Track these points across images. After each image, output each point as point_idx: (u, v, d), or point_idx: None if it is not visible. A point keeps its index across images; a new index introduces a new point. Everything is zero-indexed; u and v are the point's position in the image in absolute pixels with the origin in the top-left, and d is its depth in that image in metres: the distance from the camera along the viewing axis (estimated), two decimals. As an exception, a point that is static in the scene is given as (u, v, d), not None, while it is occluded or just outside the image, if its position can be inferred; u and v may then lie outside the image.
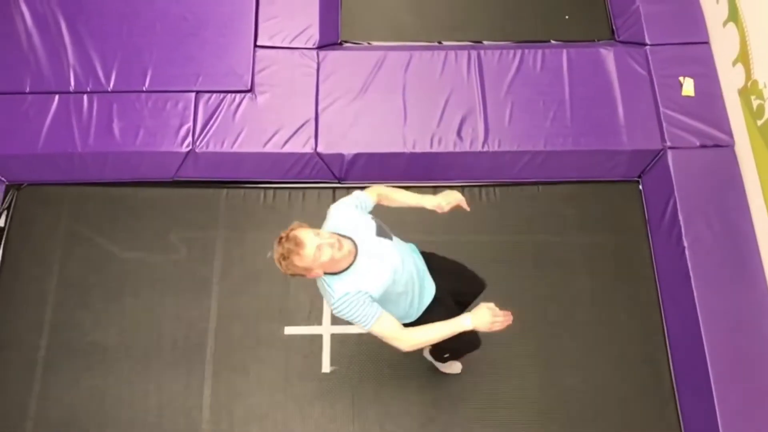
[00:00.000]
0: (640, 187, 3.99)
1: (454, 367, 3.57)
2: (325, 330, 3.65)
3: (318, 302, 3.68)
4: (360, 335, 3.64)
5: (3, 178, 3.88)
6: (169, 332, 3.64)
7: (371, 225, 2.61)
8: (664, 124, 3.88)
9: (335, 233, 2.42)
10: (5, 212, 3.88)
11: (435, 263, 2.93)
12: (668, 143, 3.84)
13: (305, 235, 2.32)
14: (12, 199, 3.91)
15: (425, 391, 3.55)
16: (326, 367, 3.58)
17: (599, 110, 3.94)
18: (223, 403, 3.51)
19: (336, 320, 3.67)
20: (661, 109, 3.91)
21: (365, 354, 3.61)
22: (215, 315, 3.68)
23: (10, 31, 4.02)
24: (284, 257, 2.33)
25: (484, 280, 3.14)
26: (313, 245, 2.31)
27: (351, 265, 2.47)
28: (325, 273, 2.45)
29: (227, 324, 3.66)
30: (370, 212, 2.70)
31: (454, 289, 2.98)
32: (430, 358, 3.49)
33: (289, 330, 3.63)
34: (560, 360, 3.63)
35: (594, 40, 4.29)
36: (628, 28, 4.25)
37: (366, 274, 2.48)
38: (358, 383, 3.55)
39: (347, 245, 2.42)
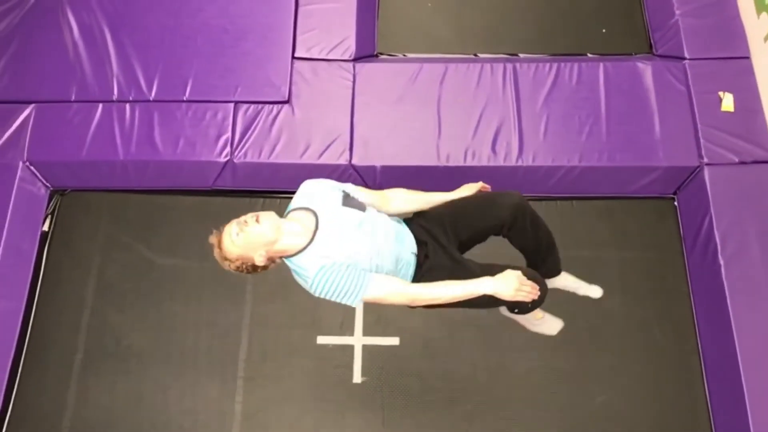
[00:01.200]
0: (676, 203, 3.94)
1: (548, 325, 3.22)
2: (357, 341, 3.68)
3: (350, 312, 3.72)
4: (391, 347, 3.67)
5: (48, 184, 3.99)
6: (203, 338, 3.71)
7: (338, 196, 2.56)
8: (702, 140, 3.83)
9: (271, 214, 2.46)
10: (49, 217, 3.99)
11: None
12: (705, 159, 3.79)
13: (230, 224, 2.40)
14: (56, 205, 4.03)
15: (455, 405, 3.56)
16: (357, 377, 3.61)
17: (635, 125, 3.91)
18: (255, 410, 3.56)
19: (368, 331, 3.70)
20: (699, 124, 3.86)
21: (395, 366, 3.63)
22: (248, 322, 3.74)
23: (57, 42, 4.15)
24: (215, 247, 2.44)
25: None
26: (229, 230, 2.39)
27: (311, 240, 2.42)
28: (284, 258, 2.44)
29: (260, 331, 3.71)
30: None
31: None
32: (509, 314, 3.04)
33: (321, 339, 3.67)
34: (590, 377, 3.60)
35: (631, 54, 4.26)
36: (667, 41, 4.21)
37: (329, 243, 2.41)
38: (388, 395, 3.57)
39: (268, 219, 2.40)
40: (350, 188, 2.72)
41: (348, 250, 2.44)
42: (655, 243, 3.90)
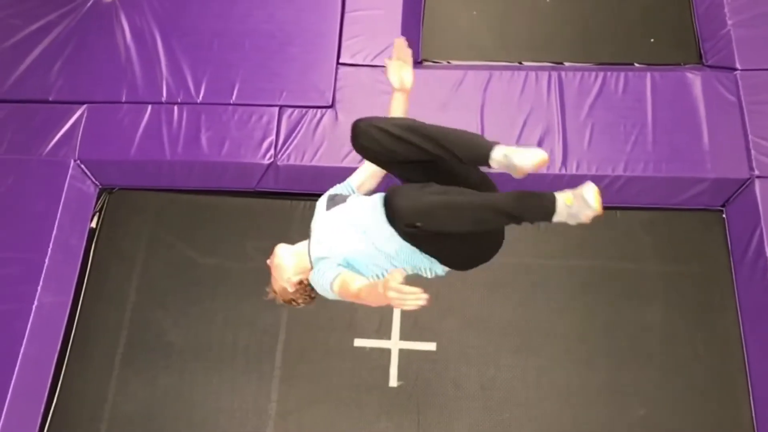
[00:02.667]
0: (724, 216, 3.85)
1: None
2: (394, 344, 3.68)
3: (387, 316, 3.72)
4: (428, 352, 3.65)
5: (97, 182, 4.11)
6: (242, 337, 3.75)
7: (323, 203, 2.58)
8: (753, 152, 3.73)
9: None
10: (97, 214, 4.10)
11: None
12: (756, 172, 3.69)
13: None
14: (104, 203, 4.13)
15: (491, 413, 3.52)
16: (393, 381, 3.60)
17: (683, 136, 3.84)
18: (291, 410, 3.58)
19: (405, 335, 3.70)
20: (750, 136, 3.77)
21: (432, 371, 3.62)
22: (286, 323, 3.77)
23: (110, 45, 4.28)
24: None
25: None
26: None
27: (309, 253, 2.47)
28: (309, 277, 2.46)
29: (298, 332, 3.74)
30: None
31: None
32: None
33: (358, 342, 3.68)
34: (631, 391, 3.53)
35: (680, 64, 4.19)
36: (718, 52, 4.13)
37: (319, 249, 2.43)
38: (423, 400, 3.55)
39: (278, 251, 2.50)
40: (339, 186, 2.69)
41: (340, 248, 2.41)
42: (701, 256, 3.81)
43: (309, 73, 4.11)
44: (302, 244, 2.56)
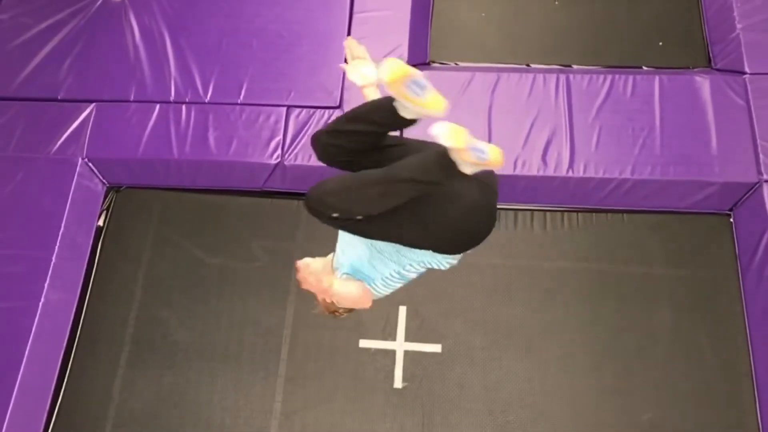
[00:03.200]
0: (732, 220, 3.83)
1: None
2: (399, 346, 3.68)
3: (393, 318, 3.72)
4: (433, 354, 3.65)
5: (105, 181, 4.12)
6: (247, 337, 3.76)
7: None
8: (761, 156, 3.72)
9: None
10: (105, 213, 4.11)
11: None
12: (765, 176, 3.68)
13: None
14: (111, 201, 4.14)
15: (496, 416, 3.52)
16: (398, 382, 3.60)
17: (691, 139, 3.83)
18: (295, 410, 3.58)
19: (410, 337, 3.70)
20: (758, 140, 3.75)
21: (437, 373, 3.61)
22: (291, 323, 3.78)
23: (120, 44, 4.29)
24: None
25: None
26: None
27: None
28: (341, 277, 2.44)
29: (303, 333, 3.74)
30: None
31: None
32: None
33: (363, 343, 3.68)
34: (636, 394, 3.52)
35: (689, 68, 4.17)
36: (727, 55, 4.12)
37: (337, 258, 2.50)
38: (428, 401, 3.55)
39: (302, 263, 2.44)
40: None
41: (348, 255, 2.47)
42: (708, 260, 3.80)
43: (317, 73, 4.12)
44: (330, 255, 2.57)
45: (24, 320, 3.58)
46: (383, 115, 2.19)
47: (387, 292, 2.45)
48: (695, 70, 4.14)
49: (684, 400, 3.49)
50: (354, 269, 2.43)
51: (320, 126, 3.98)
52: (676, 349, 3.61)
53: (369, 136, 2.27)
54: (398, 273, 2.39)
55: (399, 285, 2.44)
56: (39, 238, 3.79)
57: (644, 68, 4.20)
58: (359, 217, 2.21)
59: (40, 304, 3.62)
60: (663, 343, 3.63)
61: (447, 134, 2.05)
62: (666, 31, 4.39)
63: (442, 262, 2.40)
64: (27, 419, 3.50)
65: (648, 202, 3.87)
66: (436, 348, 3.67)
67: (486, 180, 2.30)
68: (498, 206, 3.78)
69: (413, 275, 2.42)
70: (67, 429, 3.60)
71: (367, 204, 2.18)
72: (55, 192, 3.92)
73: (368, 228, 2.28)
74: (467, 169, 2.10)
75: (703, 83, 3.95)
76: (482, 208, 2.32)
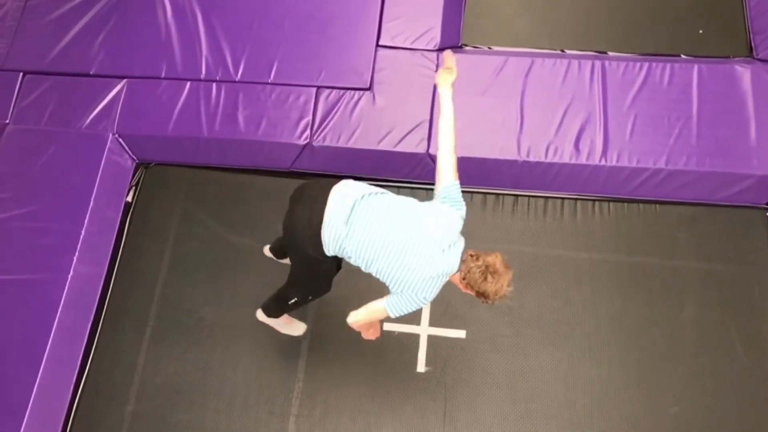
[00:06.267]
0: (768, 214, 3.76)
1: (294, 326, 3.53)
2: (423, 330, 3.66)
3: (418, 302, 3.69)
4: (457, 340, 3.63)
5: (134, 157, 4.14)
6: (271, 316, 3.76)
7: None
8: (802, 150, 3.63)
9: None
10: (134, 189, 4.14)
11: None
12: (804, 170, 3.59)
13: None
14: (140, 177, 4.17)
15: (519, 403, 3.49)
16: (421, 367, 3.58)
17: (729, 130, 3.74)
18: (317, 390, 3.59)
19: (435, 322, 3.68)
20: (799, 133, 3.66)
21: (460, 359, 3.59)
22: (315, 304, 3.76)
23: (152, 21, 4.30)
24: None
25: None
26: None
27: None
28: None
29: (327, 313, 3.73)
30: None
31: None
32: (264, 318, 3.46)
33: (387, 326, 3.66)
34: (663, 387, 3.47)
35: (729, 57, 4.06)
36: (769, 45, 4.01)
37: None
38: (451, 386, 3.53)
39: None
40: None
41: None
42: (741, 255, 3.72)
43: (348, 54, 4.08)
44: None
45: (53, 292, 3.62)
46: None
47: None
48: (736, 59, 4.03)
49: (711, 396, 3.43)
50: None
51: (349, 108, 3.95)
52: (705, 345, 3.55)
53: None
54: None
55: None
56: (69, 212, 3.83)
57: (683, 57, 4.10)
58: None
59: (69, 276, 3.66)
60: (692, 337, 3.57)
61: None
62: (706, 18, 4.28)
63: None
64: (55, 388, 3.55)
65: (682, 194, 3.79)
66: (460, 334, 3.64)
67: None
68: (528, 194, 3.81)
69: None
70: (94, 398, 3.65)
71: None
72: (86, 167, 3.95)
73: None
74: None
75: (744, 73, 3.85)
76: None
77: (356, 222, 2.65)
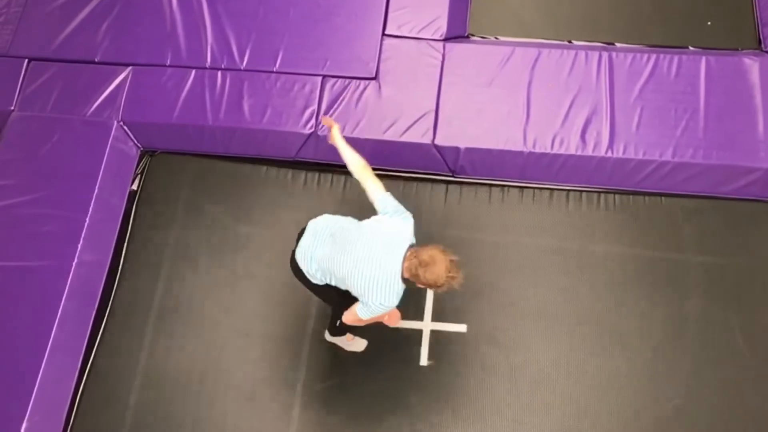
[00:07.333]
0: (775, 208, 3.73)
1: (357, 344, 3.63)
2: (426, 325, 3.66)
3: (420, 298, 3.69)
4: (459, 334, 3.63)
5: (139, 144, 4.14)
6: (275, 307, 3.76)
7: None
8: (809, 144, 3.60)
9: None
10: (138, 177, 4.13)
11: None
12: (812, 164, 3.57)
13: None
14: (145, 165, 4.16)
15: (521, 396, 3.49)
16: (424, 360, 3.59)
17: (736, 123, 3.71)
18: (319, 383, 3.59)
19: (437, 317, 3.68)
20: (807, 127, 3.63)
21: (461, 354, 3.59)
22: (319, 300, 3.75)
23: (157, 8, 4.28)
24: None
25: None
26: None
27: None
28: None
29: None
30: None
31: None
32: (330, 338, 3.61)
33: (391, 321, 3.67)
34: (665, 380, 3.47)
35: (737, 49, 4.03)
36: (778, 38, 3.98)
37: None
38: (452, 380, 3.54)
39: None
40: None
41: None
42: (746, 249, 3.71)
43: (353, 43, 4.07)
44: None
45: (58, 279, 3.63)
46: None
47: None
48: (744, 51, 4.00)
49: (713, 389, 3.43)
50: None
51: (355, 97, 3.94)
52: (708, 338, 3.54)
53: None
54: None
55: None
56: (74, 200, 3.83)
57: (690, 48, 4.07)
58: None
59: (74, 264, 3.67)
60: (694, 331, 3.57)
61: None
62: (715, 10, 4.25)
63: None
64: (59, 376, 3.57)
65: (688, 186, 3.78)
66: (461, 328, 3.64)
67: None
68: (534, 185, 3.78)
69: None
70: (99, 387, 3.66)
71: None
72: (90, 154, 3.94)
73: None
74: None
75: (752, 66, 3.83)
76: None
77: (317, 254, 2.95)
